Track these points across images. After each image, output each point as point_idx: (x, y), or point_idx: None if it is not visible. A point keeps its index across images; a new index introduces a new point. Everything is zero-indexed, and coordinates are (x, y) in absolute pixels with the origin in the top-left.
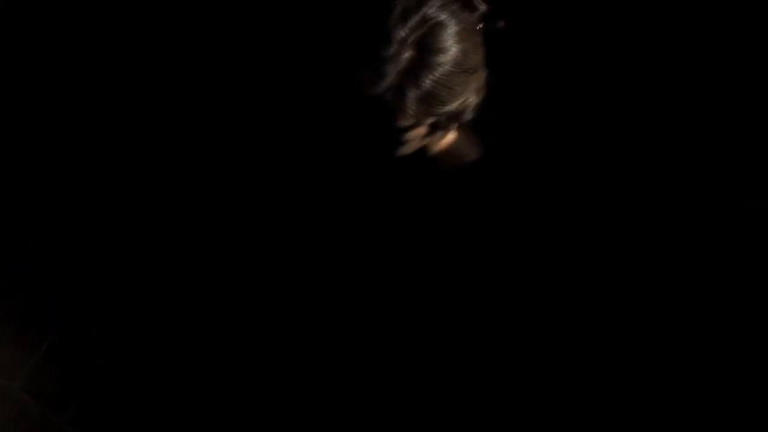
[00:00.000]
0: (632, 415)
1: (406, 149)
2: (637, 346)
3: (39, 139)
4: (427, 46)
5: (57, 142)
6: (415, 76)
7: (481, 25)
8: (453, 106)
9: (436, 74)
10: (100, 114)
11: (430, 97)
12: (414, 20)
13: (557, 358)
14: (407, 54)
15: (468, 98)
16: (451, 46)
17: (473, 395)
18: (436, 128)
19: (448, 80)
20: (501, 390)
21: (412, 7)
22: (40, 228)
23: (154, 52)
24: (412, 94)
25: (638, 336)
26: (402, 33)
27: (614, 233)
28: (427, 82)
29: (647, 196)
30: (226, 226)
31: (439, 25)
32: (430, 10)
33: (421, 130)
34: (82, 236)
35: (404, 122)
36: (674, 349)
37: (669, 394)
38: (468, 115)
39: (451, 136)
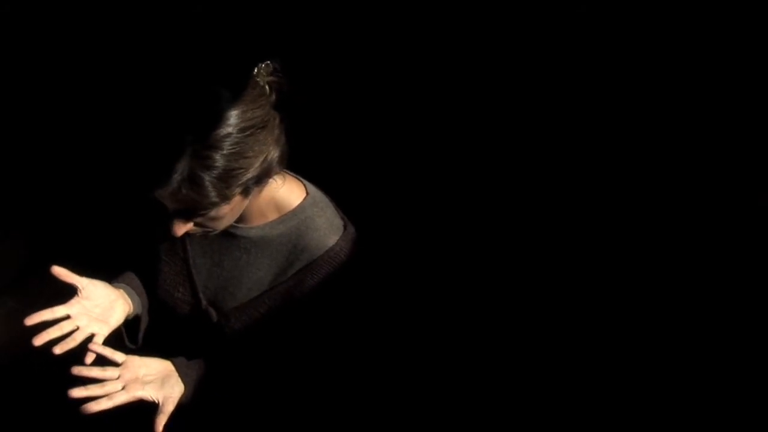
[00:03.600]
0: (632, 415)
1: (225, 224)
2: (637, 346)
3: (36, 140)
4: (204, 123)
5: (54, 143)
6: (203, 158)
7: (261, 76)
8: (255, 169)
9: (225, 149)
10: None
11: (228, 174)
12: (182, 99)
13: (557, 359)
14: (187, 138)
15: (268, 154)
16: (229, 113)
17: (473, 395)
18: (247, 192)
19: (240, 149)
20: (501, 390)
21: (176, 89)
22: (37, 227)
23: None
24: (207, 179)
25: (638, 336)
26: (174, 119)
27: (612, 233)
28: (219, 160)
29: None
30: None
31: (211, 97)
32: (196, 84)
33: (235, 200)
34: (80, 235)
35: (212, 207)
36: (674, 349)
37: (669, 394)
38: (276, 168)
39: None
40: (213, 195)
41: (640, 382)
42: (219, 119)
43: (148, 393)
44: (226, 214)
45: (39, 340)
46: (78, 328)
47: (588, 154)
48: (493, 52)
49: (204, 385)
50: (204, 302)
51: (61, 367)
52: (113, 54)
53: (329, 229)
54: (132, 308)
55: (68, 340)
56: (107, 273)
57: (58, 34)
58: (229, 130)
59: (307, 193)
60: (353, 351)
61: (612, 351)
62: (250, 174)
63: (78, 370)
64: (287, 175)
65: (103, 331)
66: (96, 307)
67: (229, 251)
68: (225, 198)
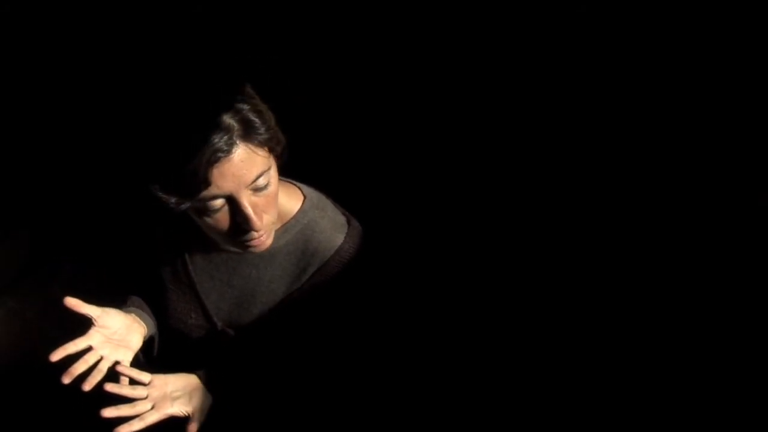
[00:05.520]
0: (632, 415)
1: (274, 206)
2: (637, 346)
3: (36, 140)
4: (220, 94)
5: (53, 144)
6: (235, 108)
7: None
8: (271, 119)
9: (246, 103)
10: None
11: (261, 115)
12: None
13: (557, 359)
14: (215, 106)
15: (271, 118)
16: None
17: (473, 396)
18: (276, 150)
19: (252, 104)
20: (501, 390)
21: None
22: (37, 228)
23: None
24: (251, 116)
25: (638, 336)
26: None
27: (614, 233)
28: (245, 107)
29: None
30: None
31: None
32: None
33: (274, 169)
34: (81, 236)
35: (270, 147)
36: (674, 349)
37: (669, 394)
38: (279, 144)
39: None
40: (263, 130)
41: (640, 382)
42: (226, 88)
43: (178, 409)
44: (275, 189)
45: (68, 378)
46: (102, 358)
47: (588, 154)
48: (494, 52)
49: (229, 395)
50: (219, 324)
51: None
52: (113, 54)
53: (334, 228)
54: (147, 330)
55: (95, 373)
56: (111, 283)
57: (58, 34)
58: (236, 94)
59: (305, 197)
60: (372, 347)
61: (612, 351)
62: (272, 121)
63: (111, 387)
64: (281, 182)
65: (127, 357)
66: (114, 334)
67: (237, 270)
68: (273, 133)
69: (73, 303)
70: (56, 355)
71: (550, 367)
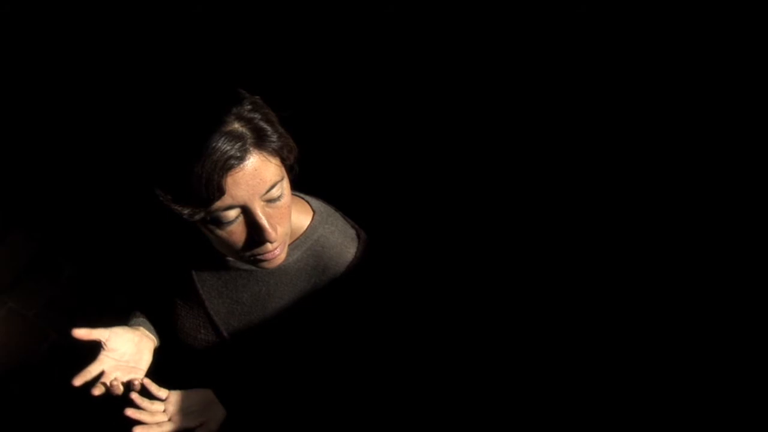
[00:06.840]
0: (632, 415)
1: (287, 218)
2: (637, 346)
3: (38, 141)
4: (224, 100)
5: (54, 144)
6: (245, 116)
7: None
8: (279, 127)
9: (256, 112)
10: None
11: (270, 122)
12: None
13: (557, 359)
14: (224, 115)
15: (278, 125)
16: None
17: (473, 396)
18: (288, 160)
19: (260, 112)
20: (501, 390)
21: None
22: (37, 228)
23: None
24: (262, 124)
25: (638, 336)
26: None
27: (614, 233)
28: (256, 114)
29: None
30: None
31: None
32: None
33: (287, 181)
34: (80, 235)
35: (282, 154)
36: (674, 349)
37: (669, 394)
38: (289, 154)
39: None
40: (275, 138)
41: (640, 382)
42: (237, 98)
43: (193, 423)
44: (288, 201)
45: (96, 391)
46: (116, 379)
47: (588, 154)
48: (495, 52)
49: (243, 409)
50: (229, 339)
51: (62, 369)
52: (112, 54)
53: (344, 242)
54: (156, 342)
55: (112, 389)
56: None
57: (58, 35)
58: (247, 104)
59: (314, 211)
60: (385, 360)
61: (612, 351)
62: (280, 129)
63: (131, 413)
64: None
65: (138, 377)
66: (124, 355)
67: (247, 287)
68: (285, 141)
69: (82, 333)
70: (78, 381)
71: (562, 379)
